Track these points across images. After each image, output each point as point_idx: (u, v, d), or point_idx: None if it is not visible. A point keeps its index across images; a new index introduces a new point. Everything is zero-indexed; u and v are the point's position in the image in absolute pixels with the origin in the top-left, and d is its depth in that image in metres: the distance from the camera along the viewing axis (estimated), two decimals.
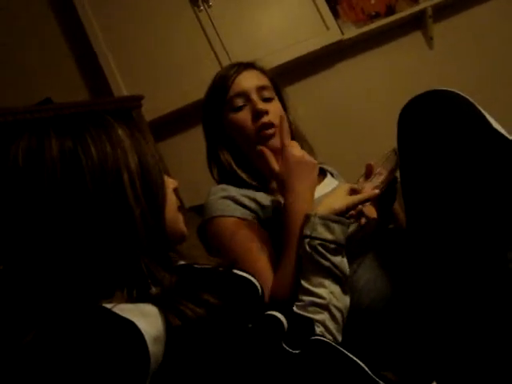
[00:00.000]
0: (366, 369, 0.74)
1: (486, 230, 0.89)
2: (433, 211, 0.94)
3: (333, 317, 0.93)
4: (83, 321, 0.56)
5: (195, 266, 0.83)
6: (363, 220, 1.07)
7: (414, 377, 0.90)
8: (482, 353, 0.83)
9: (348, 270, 0.98)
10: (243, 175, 1.26)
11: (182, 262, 0.84)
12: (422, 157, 0.94)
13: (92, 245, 0.63)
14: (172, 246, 0.80)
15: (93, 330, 0.55)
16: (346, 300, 0.97)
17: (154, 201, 0.70)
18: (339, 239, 0.96)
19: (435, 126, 0.91)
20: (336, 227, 0.96)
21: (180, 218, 0.80)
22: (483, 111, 0.92)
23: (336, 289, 0.95)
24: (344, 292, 0.97)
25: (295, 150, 1.08)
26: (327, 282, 0.94)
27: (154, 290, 0.65)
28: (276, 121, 1.21)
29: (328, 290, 0.93)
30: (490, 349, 0.82)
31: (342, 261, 0.96)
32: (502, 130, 0.90)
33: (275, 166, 1.08)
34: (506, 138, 0.89)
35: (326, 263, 0.94)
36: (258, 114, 1.21)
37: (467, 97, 0.94)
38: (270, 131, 1.21)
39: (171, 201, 0.78)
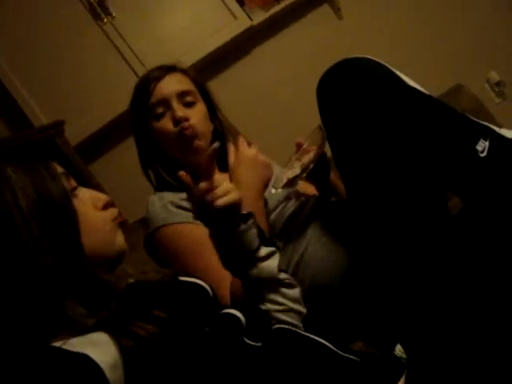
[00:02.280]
0: (332, 347, 0.74)
1: (422, 184, 0.91)
2: (368, 177, 0.95)
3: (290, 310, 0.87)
4: (35, 365, 0.54)
5: (143, 282, 0.81)
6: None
7: (380, 341, 0.92)
8: (440, 309, 0.85)
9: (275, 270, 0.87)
10: (172, 181, 1.24)
11: (131, 281, 0.81)
12: (345, 125, 0.94)
13: (7, 295, 0.61)
14: (110, 267, 0.76)
15: (47, 371, 0.53)
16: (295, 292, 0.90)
17: (63, 232, 0.66)
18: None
19: (351, 93, 0.91)
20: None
21: (113, 234, 0.75)
22: (396, 71, 0.93)
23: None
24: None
25: (250, 149, 1.11)
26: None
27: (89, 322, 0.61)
28: (197, 124, 1.21)
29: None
30: (447, 303, 0.84)
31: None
32: (418, 86, 0.92)
33: (232, 158, 1.12)
34: (423, 92, 0.91)
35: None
36: (177, 122, 1.20)
37: (379, 60, 0.95)
38: (189, 131, 1.20)
39: (99, 218, 0.74)
